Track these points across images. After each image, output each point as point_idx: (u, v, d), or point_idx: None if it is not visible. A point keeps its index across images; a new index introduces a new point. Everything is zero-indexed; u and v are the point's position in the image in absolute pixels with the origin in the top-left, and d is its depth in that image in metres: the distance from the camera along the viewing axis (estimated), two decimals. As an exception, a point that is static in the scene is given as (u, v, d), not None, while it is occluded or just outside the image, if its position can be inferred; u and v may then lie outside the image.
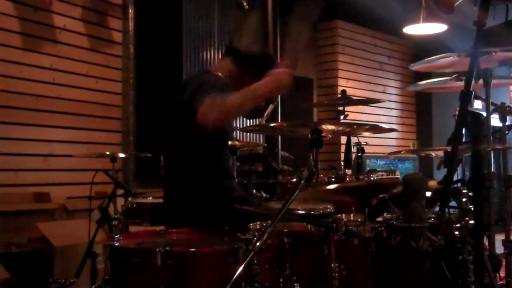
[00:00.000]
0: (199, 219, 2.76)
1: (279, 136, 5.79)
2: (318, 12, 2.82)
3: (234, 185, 3.08)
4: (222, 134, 2.97)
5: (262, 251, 1.83)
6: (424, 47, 6.50)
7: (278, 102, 6.00)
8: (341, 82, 8.10)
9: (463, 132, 2.08)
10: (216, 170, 2.93)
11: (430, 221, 2.17)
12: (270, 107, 4.99)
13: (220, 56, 6.37)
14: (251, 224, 2.39)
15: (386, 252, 2.21)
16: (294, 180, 3.91)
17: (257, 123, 4.99)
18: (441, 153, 2.79)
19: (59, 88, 4.95)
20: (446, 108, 7.69)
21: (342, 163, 4.96)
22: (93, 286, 2.25)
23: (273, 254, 2.02)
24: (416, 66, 3.06)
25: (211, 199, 2.88)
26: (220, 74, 3.06)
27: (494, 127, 3.06)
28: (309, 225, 2.32)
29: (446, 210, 2.22)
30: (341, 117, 4.91)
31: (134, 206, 3.56)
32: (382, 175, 5.65)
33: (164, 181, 3.10)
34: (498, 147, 3.25)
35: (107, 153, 4.17)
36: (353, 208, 2.67)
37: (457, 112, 1.99)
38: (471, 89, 1.96)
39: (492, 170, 2.91)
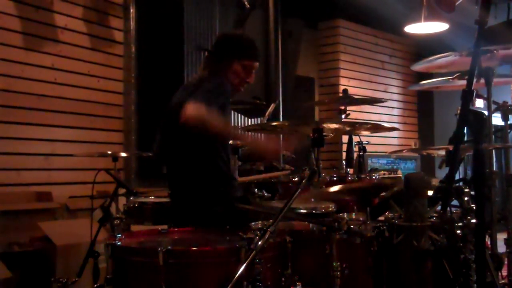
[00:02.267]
0: (202, 218, 2.77)
1: (281, 136, 5.78)
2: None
3: (235, 185, 3.08)
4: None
5: (264, 250, 1.83)
6: (426, 46, 6.49)
7: (279, 101, 6.00)
8: (343, 81, 8.10)
9: (465, 131, 2.07)
10: (216, 170, 2.93)
11: (432, 220, 2.17)
12: (272, 107, 4.99)
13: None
14: (253, 223, 2.39)
15: (388, 251, 2.21)
16: (296, 179, 3.90)
17: (259, 122, 4.99)
18: (442, 152, 2.79)
19: (60, 88, 4.95)
20: (448, 107, 7.69)
21: (343, 162, 4.95)
22: (95, 285, 2.25)
23: (275, 253, 2.02)
24: (418, 66, 3.06)
25: (213, 199, 2.88)
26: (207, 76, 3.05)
27: (496, 126, 3.07)
28: (311, 224, 2.32)
29: (448, 209, 2.21)
30: (343, 116, 4.90)
31: (136, 205, 3.56)
32: (383, 174, 5.64)
33: (168, 181, 3.11)
34: (499, 146, 3.25)
35: (109, 152, 4.17)
36: (355, 207, 2.67)
37: (458, 111, 1.98)
38: (472, 88, 1.96)
39: (494, 169, 2.91)
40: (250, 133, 2.91)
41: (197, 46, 3.42)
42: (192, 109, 2.66)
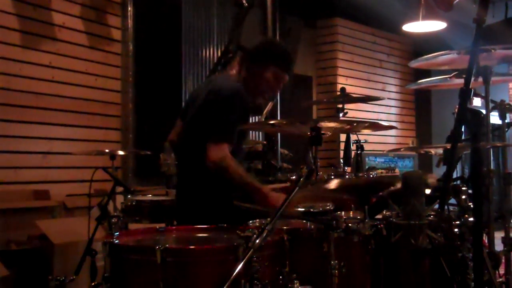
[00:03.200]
0: (208, 217, 2.77)
1: (279, 134, 5.78)
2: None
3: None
4: (241, 137, 3.02)
5: (261, 248, 1.83)
6: (424, 45, 6.49)
7: (277, 99, 6.00)
8: (341, 79, 8.10)
9: (463, 129, 2.08)
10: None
11: (430, 218, 2.17)
12: (270, 105, 4.99)
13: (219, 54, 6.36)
14: (251, 221, 2.39)
15: (385, 249, 2.21)
16: (294, 177, 3.90)
17: (257, 120, 4.99)
18: (440, 151, 2.80)
19: (58, 86, 4.95)
20: (446, 105, 7.68)
21: (341, 160, 4.95)
22: (93, 284, 2.24)
23: (272, 251, 2.02)
24: (416, 64, 3.06)
25: (218, 198, 2.89)
26: (234, 77, 3.08)
27: (494, 124, 3.07)
28: (308, 223, 2.32)
29: (446, 207, 2.22)
30: (341, 114, 4.91)
31: (134, 203, 3.56)
32: (381, 172, 5.64)
33: (177, 180, 3.14)
34: (497, 144, 3.25)
35: (106, 150, 4.17)
36: (352, 206, 2.67)
37: (456, 110, 1.99)
38: (470, 86, 1.96)
39: (492, 167, 2.91)
40: (265, 186, 2.96)
41: (238, 46, 3.41)
42: (216, 156, 2.78)
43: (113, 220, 3.25)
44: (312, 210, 2.51)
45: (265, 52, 3.09)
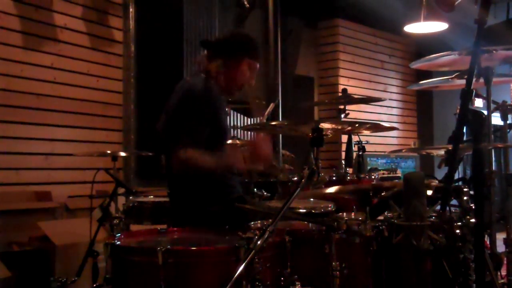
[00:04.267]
0: (202, 218, 2.77)
1: (280, 135, 5.79)
2: None
3: (235, 184, 3.08)
4: (219, 135, 2.99)
5: (263, 250, 1.83)
6: (425, 46, 6.49)
7: (279, 100, 6.00)
8: (342, 80, 8.10)
9: (464, 130, 2.07)
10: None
11: (431, 219, 2.17)
12: (271, 106, 5.00)
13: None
14: (252, 222, 2.39)
15: (387, 250, 2.21)
16: (295, 179, 3.91)
17: (258, 121, 4.99)
18: (442, 152, 2.79)
19: (60, 87, 4.95)
20: (447, 106, 7.70)
21: (343, 161, 4.95)
22: (94, 285, 2.25)
23: (274, 252, 2.02)
24: (417, 65, 3.05)
25: (212, 198, 2.88)
26: (204, 76, 3.05)
27: (495, 125, 3.07)
28: (310, 224, 2.32)
29: (447, 208, 2.21)
30: (342, 115, 4.91)
31: (135, 204, 3.57)
32: (383, 173, 5.65)
33: (168, 181, 3.11)
34: (499, 145, 3.25)
35: (108, 151, 4.17)
36: (354, 207, 2.67)
37: (458, 111, 1.98)
38: (472, 87, 1.95)
39: (493, 168, 2.91)
40: (237, 147, 2.96)
41: (204, 42, 3.40)
42: (180, 160, 2.76)
43: (114, 222, 3.26)
44: (313, 211, 2.52)
45: (237, 45, 3.09)
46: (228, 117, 4.72)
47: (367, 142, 4.84)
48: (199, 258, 1.93)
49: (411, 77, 9.12)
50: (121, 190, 3.51)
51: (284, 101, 6.32)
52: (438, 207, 2.13)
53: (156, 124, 3.12)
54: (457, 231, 2.19)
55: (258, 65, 3.12)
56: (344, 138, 5.41)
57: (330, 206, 2.59)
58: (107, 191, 3.52)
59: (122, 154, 4.55)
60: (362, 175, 4.31)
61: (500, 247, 2.83)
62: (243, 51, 3.06)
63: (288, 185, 3.95)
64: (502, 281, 2.88)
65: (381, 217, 2.36)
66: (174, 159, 2.79)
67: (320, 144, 2.33)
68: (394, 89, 9.06)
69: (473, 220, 2.17)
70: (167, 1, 6.05)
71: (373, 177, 4.29)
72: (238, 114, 6.36)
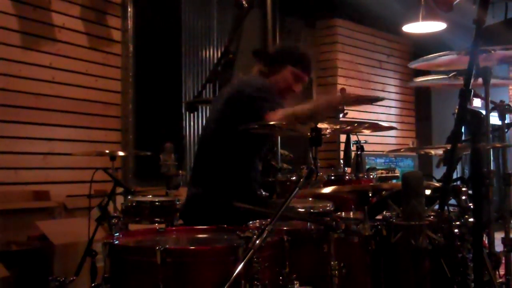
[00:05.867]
0: (225, 214, 2.77)
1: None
2: None
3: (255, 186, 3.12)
4: (261, 140, 3.04)
5: (261, 249, 1.83)
6: (423, 46, 6.49)
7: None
8: (341, 80, 8.10)
9: (463, 130, 2.08)
10: (248, 174, 3.02)
11: (430, 219, 2.18)
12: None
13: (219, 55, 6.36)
14: (251, 222, 2.39)
15: (385, 250, 2.21)
16: (294, 178, 3.91)
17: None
18: (440, 151, 2.80)
19: (58, 87, 4.95)
20: (446, 106, 7.70)
21: (341, 161, 4.95)
22: (93, 284, 2.24)
23: (272, 252, 2.02)
24: (415, 64, 3.06)
25: (237, 194, 2.91)
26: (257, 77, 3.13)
27: (493, 125, 3.07)
28: (308, 223, 2.32)
29: (446, 208, 2.22)
30: (341, 115, 4.91)
31: (134, 204, 3.56)
32: (381, 173, 5.64)
33: (192, 173, 3.15)
34: (497, 145, 3.25)
35: (107, 151, 4.16)
36: (352, 206, 2.67)
37: (456, 110, 1.99)
38: (470, 87, 1.96)
39: (492, 168, 2.91)
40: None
41: (254, 52, 3.45)
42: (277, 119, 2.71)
43: (113, 221, 3.26)
44: (312, 210, 2.52)
45: (282, 54, 3.19)
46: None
47: (366, 142, 4.84)
48: (197, 257, 1.93)
49: (409, 76, 9.13)
50: (119, 190, 3.51)
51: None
52: (437, 207, 2.14)
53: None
54: (456, 230, 2.20)
55: (305, 76, 3.17)
56: (343, 137, 5.41)
57: (329, 206, 2.59)
58: (106, 190, 3.52)
59: (121, 153, 4.54)
60: (360, 175, 4.31)
61: (499, 247, 2.84)
62: (286, 58, 3.14)
63: (286, 184, 3.95)
64: (500, 280, 2.89)
65: (379, 217, 2.36)
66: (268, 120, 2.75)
67: (319, 143, 2.33)
68: (393, 89, 9.07)
69: (471, 219, 2.17)
70: (165, 1, 6.05)
71: (371, 176, 4.29)
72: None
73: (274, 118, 2.71)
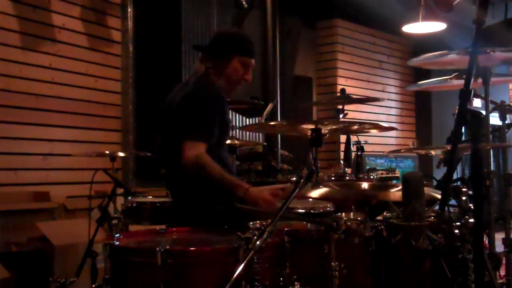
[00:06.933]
0: (202, 218, 2.77)
1: (279, 135, 5.79)
2: None
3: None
4: (222, 132, 3.00)
5: (262, 250, 1.83)
6: (423, 46, 6.48)
7: (277, 101, 6.00)
8: (340, 80, 8.10)
9: (463, 130, 2.08)
10: None
11: (430, 219, 2.18)
12: (270, 106, 4.99)
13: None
14: (251, 222, 2.39)
15: (386, 250, 2.21)
16: (294, 179, 3.91)
17: (257, 122, 4.99)
18: (440, 152, 2.80)
19: (58, 87, 4.95)
20: (446, 106, 7.71)
21: (341, 161, 4.96)
22: (93, 285, 2.24)
23: (273, 253, 2.02)
24: (415, 62, 3.05)
25: (212, 198, 2.89)
26: (205, 77, 3.08)
27: (494, 125, 3.07)
28: (309, 224, 2.32)
29: (446, 208, 2.22)
30: (341, 115, 4.92)
31: (134, 205, 3.55)
32: (381, 173, 5.65)
33: (166, 181, 3.12)
34: (497, 145, 3.25)
35: (107, 152, 4.16)
36: (353, 207, 2.67)
37: (456, 111, 1.99)
38: (470, 87, 1.96)
39: (492, 168, 2.91)
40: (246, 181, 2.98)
41: (195, 46, 3.43)
42: (190, 154, 2.77)
43: (113, 222, 3.25)
44: (312, 211, 2.52)
45: (224, 45, 3.12)
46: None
47: (366, 142, 4.85)
48: (198, 258, 1.93)
49: (409, 77, 9.14)
50: (119, 191, 3.51)
51: (282, 101, 6.32)
52: (437, 207, 2.14)
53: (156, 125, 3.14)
54: (456, 231, 2.20)
55: (253, 61, 3.13)
56: (343, 138, 5.42)
57: (329, 206, 2.59)
58: (106, 191, 3.52)
59: (121, 154, 4.54)
60: (360, 175, 4.31)
61: (499, 247, 2.84)
62: (231, 48, 3.08)
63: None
64: (501, 281, 2.89)
65: (380, 217, 2.36)
66: (184, 151, 2.78)
67: (319, 144, 2.33)
68: (393, 89, 9.07)
69: (471, 220, 2.17)
70: (165, 2, 6.05)
71: (371, 177, 4.29)
72: (237, 114, 6.36)
73: (187, 154, 2.77)
